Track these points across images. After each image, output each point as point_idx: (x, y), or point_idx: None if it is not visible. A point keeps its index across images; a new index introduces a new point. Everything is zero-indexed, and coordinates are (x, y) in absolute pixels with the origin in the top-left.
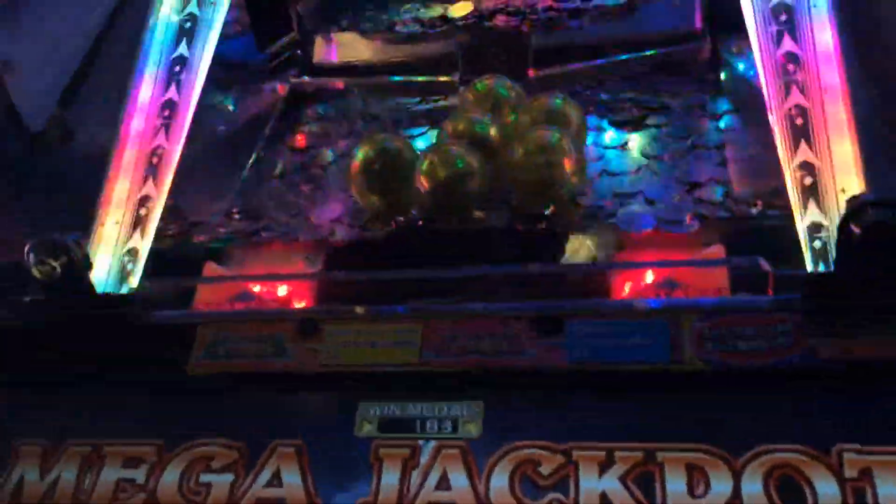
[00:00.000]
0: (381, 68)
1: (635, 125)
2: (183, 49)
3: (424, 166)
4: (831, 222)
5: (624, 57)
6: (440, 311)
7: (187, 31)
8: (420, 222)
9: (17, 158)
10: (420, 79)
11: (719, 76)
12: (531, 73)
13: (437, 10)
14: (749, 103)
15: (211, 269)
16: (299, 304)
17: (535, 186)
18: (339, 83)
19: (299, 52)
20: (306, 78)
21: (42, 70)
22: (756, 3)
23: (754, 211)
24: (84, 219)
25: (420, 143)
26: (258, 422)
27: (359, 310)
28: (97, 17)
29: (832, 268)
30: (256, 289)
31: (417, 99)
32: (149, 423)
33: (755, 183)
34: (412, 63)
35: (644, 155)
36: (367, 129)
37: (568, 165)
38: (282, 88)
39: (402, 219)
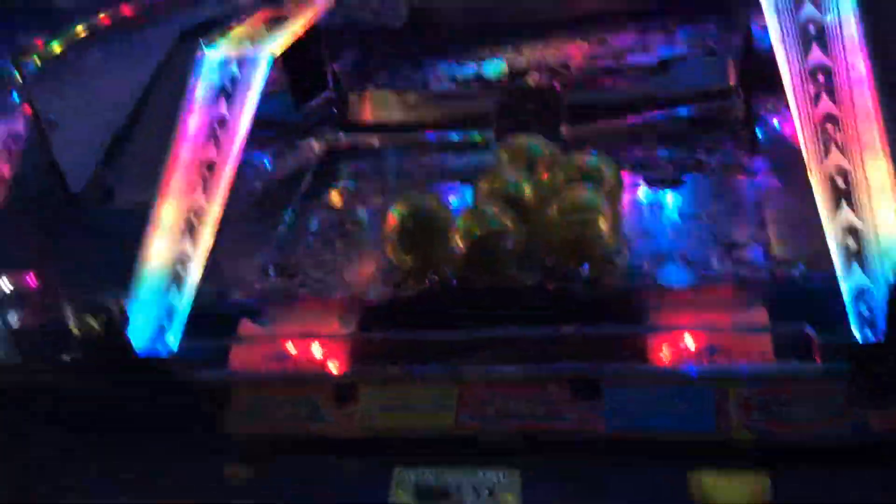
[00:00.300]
0: (415, 125)
1: (671, 183)
2: (223, 109)
3: (459, 226)
4: (877, 287)
5: (658, 114)
6: (476, 374)
7: (228, 92)
8: (454, 282)
9: (58, 217)
10: (454, 136)
11: (755, 133)
12: (565, 130)
13: (471, 69)
14: (787, 162)
15: (246, 327)
16: (334, 364)
17: (570, 246)
18: (375, 140)
19: (335, 109)
20: (342, 135)
21: (85, 129)
22: (792, 64)
23: (797, 273)
24: (123, 277)
25: (454, 201)
26: (293, 487)
27: (393, 371)
28: (140, 77)
29: (880, 336)
30: (291, 348)
31: (452, 156)
32: (183, 486)
33: (797, 244)
34: (447, 120)
35: (681, 214)
36: (402, 185)
37: (603, 224)
38: (317, 146)
39: (436, 278)
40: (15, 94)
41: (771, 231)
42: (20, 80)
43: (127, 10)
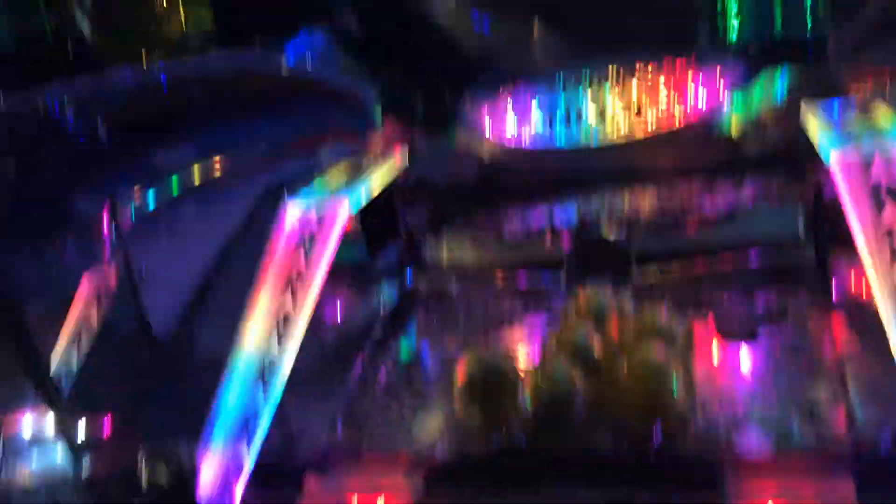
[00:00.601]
0: (488, 270)
1: (746, 338)
2: (301, 262)
3: (528, 383)
4: None
5: (728, 262)
6: None
7: (306, 245)
8: (522, 441)
9: (141, 364)
10: (526, 282)
11: (830, 288)
12: (636, 277)
13: (543, 216)
14: (866, 318)
15: (312, 481)
16: None
17: (641, 406)
18: (445, 287)
19: (406, 257)
20: (412, 282)
21: (173, 278)
22: (865, 224)
23: (884, 440)
24: (198, 425)
25: (523, 354)
26: None
27: None
28: (227, 229)
29: None
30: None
31: (522, 302)
32: None
33: (881, 407)
34: (519, 266)
35: (757, 372)
36: (472, 335)
37: (676, 384)
38: (388, 293)
39: (504, 436)
40: (110, 245)
41: (853, 392)
42: (116, 232)
43: (218, 167)
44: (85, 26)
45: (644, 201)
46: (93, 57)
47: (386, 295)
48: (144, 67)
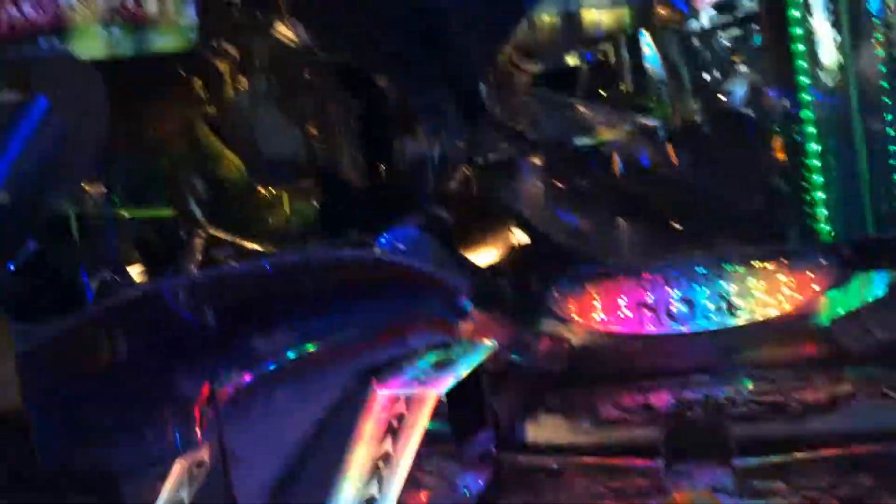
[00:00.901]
0: (579, 457)
1: None
2: (388, 446)
3: None
4: None
5: (831, 456)
6: None
7: (394, 429)
8: None
9: None
10: (621, 463)
11: None
12: (735, 463)
13: (636, 402)
14: None
15: None
16: None
17: None
18: (537, 472)
19: (496, 440)
20: (502, 466)
21: (263, 462)
22: None
23: None
24: None
25: None
26: None
27: None
28: (318, 413)
29: None
30: None
31: (618, 485)
32: None
33: None
34: (614, 447)
35: None
36: None
37: None
38: (475, 478)
39: None
40: (206, 425)
41: None
42: (212, 413)
43: (313, 352)
44: (199, 217)
45: (741, 389)
46: (205, 245)
47: (472, 480)
48: (251, 257)
